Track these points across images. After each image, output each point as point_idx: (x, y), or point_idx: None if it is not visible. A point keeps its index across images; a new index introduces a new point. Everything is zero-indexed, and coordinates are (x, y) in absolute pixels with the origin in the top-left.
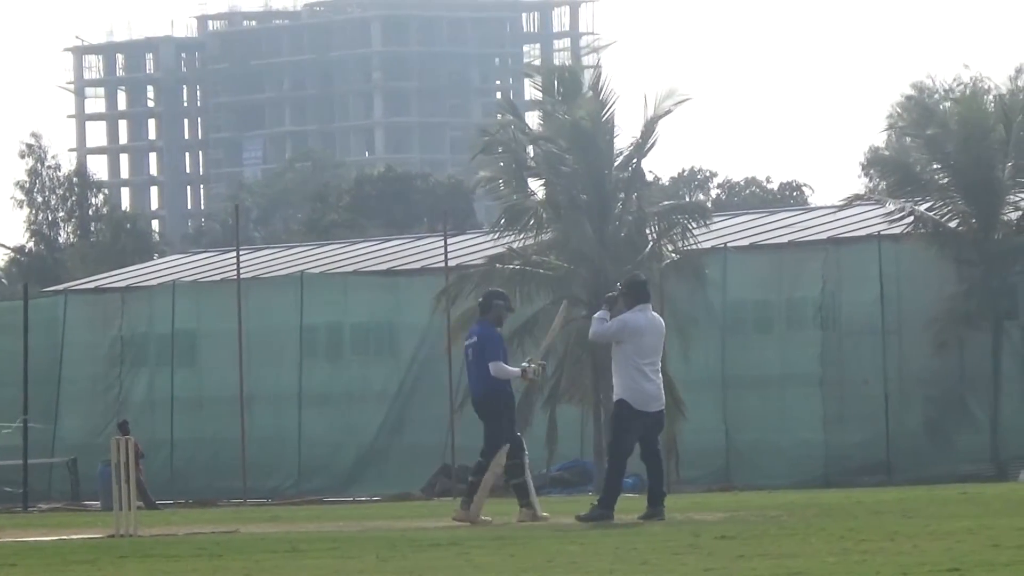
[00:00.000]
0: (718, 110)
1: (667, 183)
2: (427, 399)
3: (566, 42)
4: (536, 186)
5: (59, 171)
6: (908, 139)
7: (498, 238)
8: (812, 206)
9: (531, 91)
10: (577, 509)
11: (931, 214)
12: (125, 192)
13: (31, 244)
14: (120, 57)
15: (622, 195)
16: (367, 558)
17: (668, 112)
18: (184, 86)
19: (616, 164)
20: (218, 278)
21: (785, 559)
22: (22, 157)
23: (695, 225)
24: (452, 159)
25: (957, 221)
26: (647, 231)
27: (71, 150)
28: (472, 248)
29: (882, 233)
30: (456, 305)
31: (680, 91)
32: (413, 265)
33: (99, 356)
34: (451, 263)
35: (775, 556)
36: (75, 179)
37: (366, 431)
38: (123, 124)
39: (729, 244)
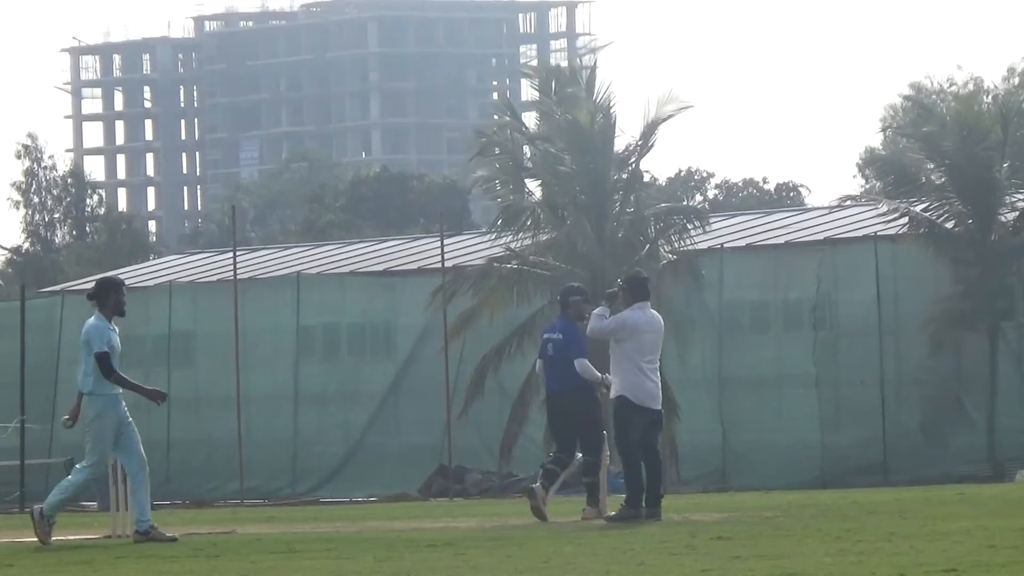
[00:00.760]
0: (716, 111)
1: (664, 184)
2: (424, 399)
3: (563, 43)
4: (533, 186)
5: (55, 171)
6: (904, 139)
7: (495, 239)
8: (808, 207)
9: (528, 92)
10: (573, 510)
11: (927, 215)
12: (122, 193)
13: (27, 245)
14: (117, 58)
15: (620, 196)
16: (364, 559)
17: (669, 117)
18: (181, 87)
19: (614, 165)
20: (215, 279)
21: (782, 560)
22: (18, 158)
23: (693, 226)
24: (449, 160)
25: (954, 222)
26: (646, 232)
27: (68, 151)
28: (469, 249)
29: (878, 234)
30: (453, 305)
31: (681, 96)
32: (410, 266)
33: None
34: (448, 263)
35: (772, 557)
36: (71, 180)
37: (363, 431)
38: (120, 125)
39: (726, 245)
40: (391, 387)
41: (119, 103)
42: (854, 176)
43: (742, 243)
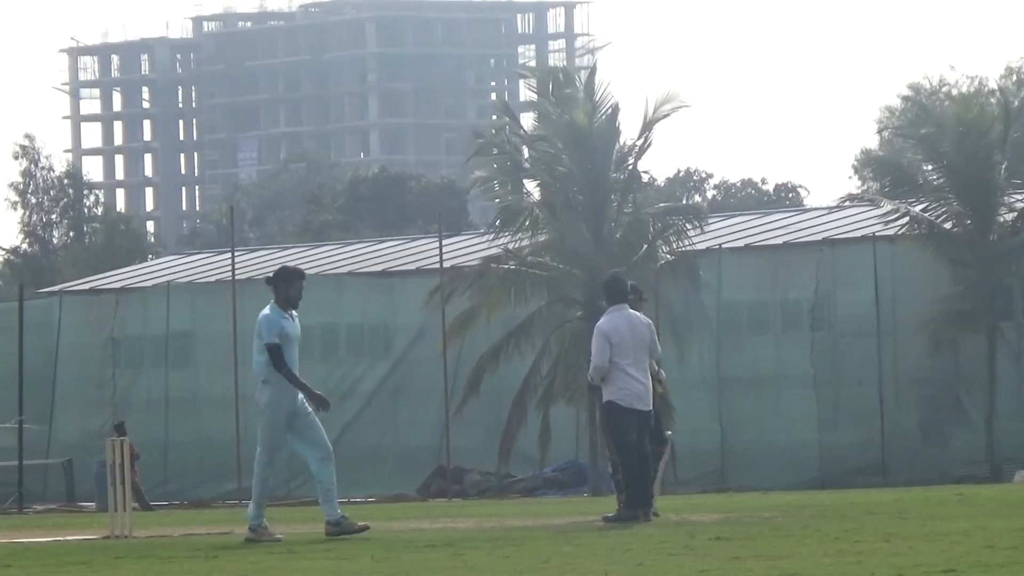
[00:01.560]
0: (714, 112)
1: (663, 184)
2: (422, 400)
3: (561, 43)
4: (532, 187)
5: (52, 172)
6: (902, 140)
7: (493, 239)
8: (807, 207)
9: (526, 92)
10: (571, 510)
11: (926, 215)
12: (120, 193)
13: (25, 245)
14: (115, 58)
15: (618, 196)
16: (362, 559)
17: (665, 116)
18: (179, 87)
19: (612, 165)
20: (213, 279)
21: (780, 560)
22: (16, 158)
23: (691, 227)
24: (447, 160)
25: (952, 222)
26: (644, 232)
27: (66, 151)
28: (467, 249)
29: (877, 234)
30: (451, 305)
31: (679, 96)
32: (408, 266)
33: (94, 357)
34: (446, 264)
35: (770, 557)
36: (67, 181)
37: (361, 432)
38: (118, 125)
39: (724, 245)
40: (389, 387)
41: (117, 103)
42: (849, 177)
43: (740, 243)
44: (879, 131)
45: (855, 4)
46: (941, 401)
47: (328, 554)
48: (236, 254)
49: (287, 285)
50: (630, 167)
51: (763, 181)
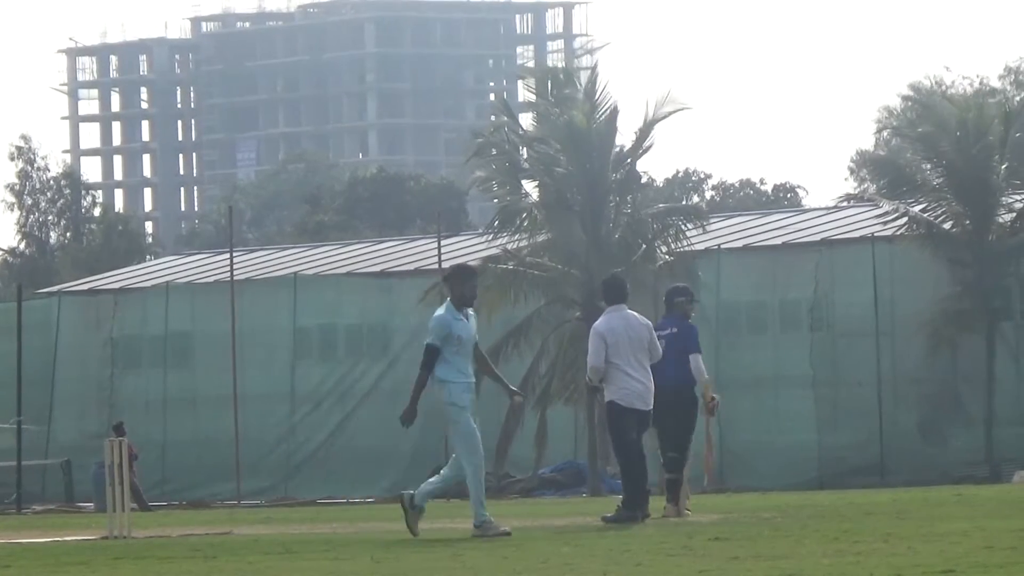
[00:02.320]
0: (712, 112)
1: (662, 185)
2: (421, 400)
3: (560, 43)
4: (530, 187)
5: (48, 173)
6: (901, 140)
7: (492, 239)
8: (805, 208)
9: (525, 93)
10: (570, 511)
11: (925, 215)
12: (119, 193)
13: (22, 246)
14: (114, 59)
15: (616, 197)
16: (361, 559)
17: (665, 117)
18: (178, 87)
19: (611, 166)
20: (212, 279)
21: (779, 560)
22: (12, 159)
23: (691, 227)
24: (446, 160)
25: (951, 223)
26: (643, 233)
27: (65, 151)
28: (466, 249)
29: (876, 234)
30: None
31: (679, 98)
32: (407, 266)
33: (92, 357)
34: (444, 264)
35: (769, 557)
36: (63, 182)
37: (360, 432)
38: (117, 125)
39: (723, 246)
40: (388, 387)
41: (116, 104)
42: (846, 179)
43: (739, 244)
44: (878, 131)
45: (854, 4)
46: (940, 401)
47: (327, 554)
48: (235, 254)
49: (461, 284)
50: (628, 167)
51: (762, 181)
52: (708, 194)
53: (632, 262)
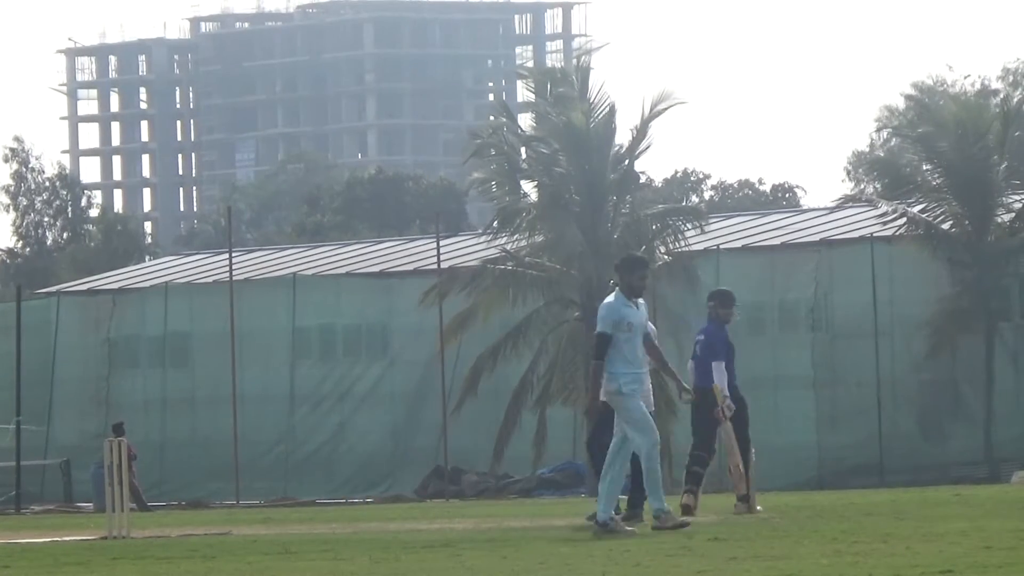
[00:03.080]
0: (711, 112)
1: (661, 185)
2: (420, 400)
3: (559, 44)
4: (529, 188)
5: (42, 174)
6: (899, 139)
7: (491, 240)
8: (805, 208)
9: (524, 93)
10: (569, 511)
11: (924, 216)
12: (118, 194)
13: (19, 247)
14: (113, 59)
15: (615, 197)
16: (360, 560)
17: (661, 113)
18: (177, 88)
19: (609, 166)
20: (211, 280)
21: (778, 561)
22: (6, 161)
23: (690, 227)
24: (445, 161)
25: (950, 223)
26: (641, 233)
27: (64, 152)
28: (465, 250)
29: (875, 235)
30: (449, 306)
31: (675, 94)
32: (406, 267)
33: (91, 358)
34: (443, 265)
35: (768, 558)
36: (58, 183)
37: (358, 433)
38: (116, 126)
39: (722, 246)
40: (387, 388)
41: (115, 104)
42: (843, 180)
43: (738, 244)
44: (879, 129)
45: (854, 4)
46: (939, 402)
47: (325, 555)
48: (234, 255)
49: (630, 273)
50: (625, 167)
51: (760, 181)
52: (707, 194)
53: None
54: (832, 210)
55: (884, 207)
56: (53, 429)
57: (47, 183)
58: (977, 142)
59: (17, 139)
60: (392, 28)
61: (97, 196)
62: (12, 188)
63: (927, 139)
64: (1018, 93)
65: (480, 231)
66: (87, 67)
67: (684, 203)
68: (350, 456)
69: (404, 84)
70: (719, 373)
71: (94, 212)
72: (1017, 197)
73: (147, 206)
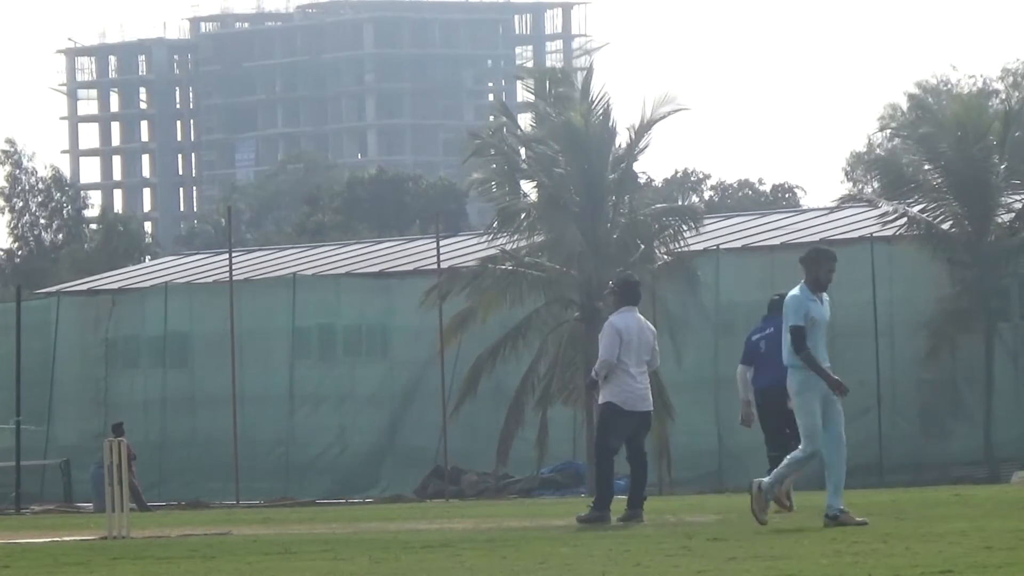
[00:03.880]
0: (711, 112)
1: (661, 185)
2: (420, 401)
3: (559, 44)
4: (529, 188)
5: (35, 175)
6: (899, 140)
7: (491, 240)
8: (804, 208)
9: (524, 93)
10: (569, 511)
11: (924, 216)
12: (117, 194)
13: (16, 248)
14: (112, 59)
15: (614, 197)
16: (360, 560)
17: (663, 117)
18: (176, 88)
19: (609, 166)
20: (210, 280)
21: (777, 561)
22: (0, 164)
23: (688, 228)
24: (445, 161)
25: (950, 223)
26: (641, 233)
27: (64, 152)
28: (464, 250)
29: (875, 235)
30: (449, 306)
31: (677, 98)
32: (406, 267)
33: (91, 358)
34: (443, 265)
35: (767, 558)
36: (52, 185)
37: (358, 433)
38: (115, 126)
39: (721, 246)
40: (387, 388)
41: (115, 104)
42: (842, 181)
43: (738, 244)
44: (882, 128)
45: (854, 4)
46: (939, 402)
47: (325, 555)
48: (233, 255)
49: (816, 266)
50: (624, 167)
51: (760, 182)
52: (707, 194)
53: (631, 263)
54: (832, 210)
55: (884, 207)
56: (53, 429)
57: (41, 185)
58: (977, 142)
59: (10, 141)
60: (392, 28)
61: (93, 197)
62: (7, 190)
63: (927, 139)
64: (1017, 94)
65: (480, 231)
66: (87, 67)
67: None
68: (350, 456)
69: (404, 84)
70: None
71: (90, 213)
72: (1017, 197)
73: (147, 206)
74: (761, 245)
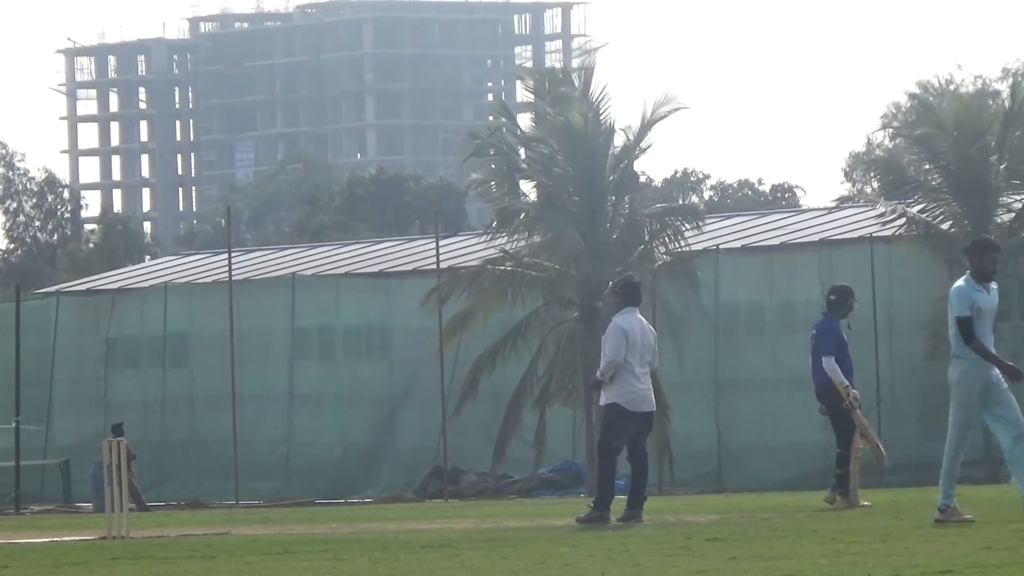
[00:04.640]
0: (711, 112)
1: (660, 185)
2: (419, 401)
3: (558, 44)
4: (528, 188)
5: (29, 174)
6: (899, 140)
7: (491, 240)
8: (804, 208)
9: (523, 93)
10: (568, 511)
11: (923, 216)
12: (117, 194)
13: (12, 248)
14: (112, 59)
15: (614, 197)
16: (359, 560)
17: (663, 117)
18: (176, 88)
19: (609, 166)
20: (210, 280)
21: (777, 561)
22: None
23: (688, 227)
24: (444, 161)
25: (950, 223)
26: (640, 233)
27: (63, 152)
28: (464, 250)
29: (874, 235)
30: (448, 306)
31: (677, 98)
32: (405, 267)
33: (91, 358)
34: (443, 265)
35: (767, 558)
36: (45, 187)
37: (358, 433)
38: (115, 126)
39: (721, 246)
40: (387, 389)
41: (114, 104)
42: (842, 182)
43: (738, 244)
44: (883, 127)
45: (854, 4)
46: (938, 402)
47: (325, 555)
48: (233, 255)
49: (981, 256)
50: (624, 167)
51: (760, 182)
52: (706, 194)
53: (630, 263)
54: (832, 210)
55: (883, 207)
56: (52, 429)
57: (34, 186)
58: (977, 142)
59: (1, 144)
60: (391, 28)
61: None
62: (0, 191)
63: (926, 139)
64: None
65: (479, 231)
66: (86, 67)
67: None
68: (349, 456)
69: (403, 84)
70: (831, 368)
71: (88, 213)
72: (1017, 197)
73: (146, 206)
74: (761, 245)
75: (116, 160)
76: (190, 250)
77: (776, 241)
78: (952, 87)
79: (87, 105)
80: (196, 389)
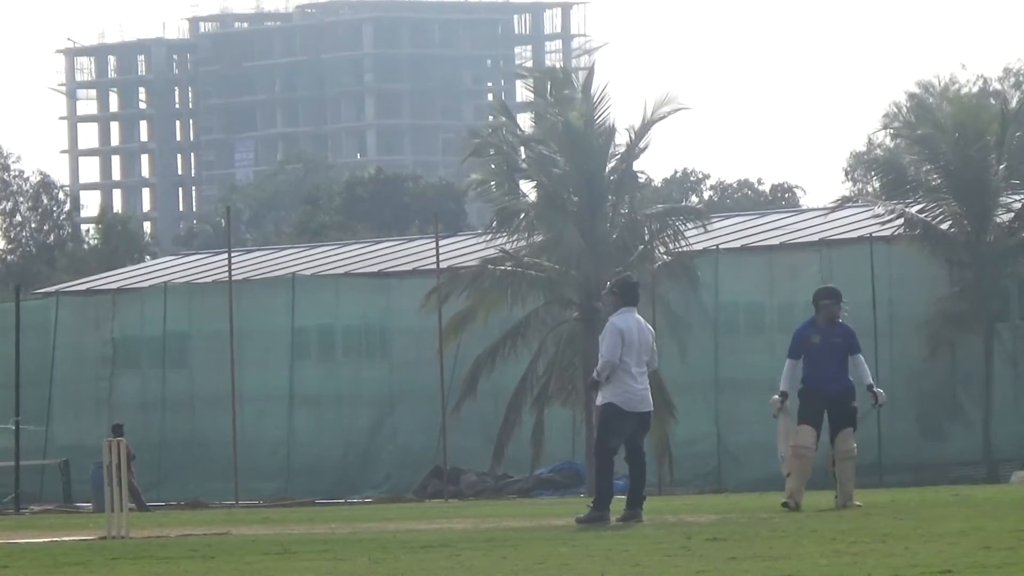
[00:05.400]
0: (711, 112)
1: (660, 185)
2: (419, 401)
3: (558, 44)
4: (528, 188)
5: (22, 176)
6: (900, 140)
7: (491, 240)
8: (804, 208)
9: (523, 93)
10: (567, 511)
11: (923, 216)
12: (117, 194)
13: (9, 248)
14: (112, 59)
15: (613, 197)
16: (359, 560)
17: (663, 118)
18: (176, 88)
19: (608, 166)
20: (210, 280)
21: (777, 561)
22: None
23: (690, 227)
24: (444, 161)
25: (949, 223)
26: (640, 233)
27: (63, 152)
28: (464, 250)
29: (874, 235)
30: (448, 306)
31: (677, 98)
32: (405, 267)
33: (90, 358)
34: (443, 265)
35: (767, 558)
36: (40, 189)
37: (358, 433)
38: (115, 126)
39: (721, 246)
40: (386, 389)
41: (114, 104)
42: (842, 182)
43: (737, 244)
44: (884, 126)
45: (855, 4)
46: (938, 402)
47: (324, 555)
48: (233, 255)
49: None
50: (624, 167)
51: (759, 182)
52: (706, 194)
53: (630, 263)
54: (831, 210)
55: (881, 208)
56: (52, 429)
57: (29, 188)
58: (976, 142)
59: None
60: (391, 28)
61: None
62: None
63: (926, 140)
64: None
65: (479, 231)
66: (86, 67)
67: (684, 203)
68: (349, 456)
69: (403, 84)
70: (784, 373)
71: (87, 213)
72: (1016, 197)
73: (146, 206)
74: (760, 245)
75: (116, 160)
76: (190, 250)
77: (776, 241)
78: (955, 86)
79: (87, 105)
80: (196, 389)
